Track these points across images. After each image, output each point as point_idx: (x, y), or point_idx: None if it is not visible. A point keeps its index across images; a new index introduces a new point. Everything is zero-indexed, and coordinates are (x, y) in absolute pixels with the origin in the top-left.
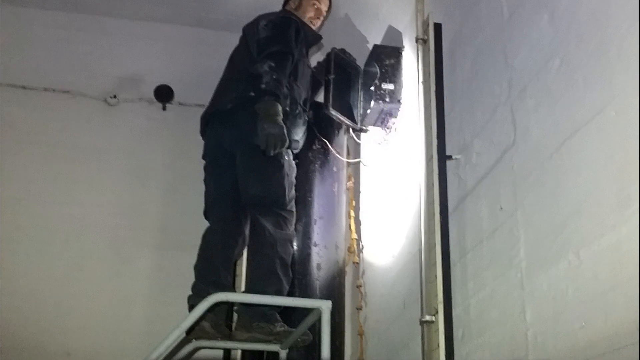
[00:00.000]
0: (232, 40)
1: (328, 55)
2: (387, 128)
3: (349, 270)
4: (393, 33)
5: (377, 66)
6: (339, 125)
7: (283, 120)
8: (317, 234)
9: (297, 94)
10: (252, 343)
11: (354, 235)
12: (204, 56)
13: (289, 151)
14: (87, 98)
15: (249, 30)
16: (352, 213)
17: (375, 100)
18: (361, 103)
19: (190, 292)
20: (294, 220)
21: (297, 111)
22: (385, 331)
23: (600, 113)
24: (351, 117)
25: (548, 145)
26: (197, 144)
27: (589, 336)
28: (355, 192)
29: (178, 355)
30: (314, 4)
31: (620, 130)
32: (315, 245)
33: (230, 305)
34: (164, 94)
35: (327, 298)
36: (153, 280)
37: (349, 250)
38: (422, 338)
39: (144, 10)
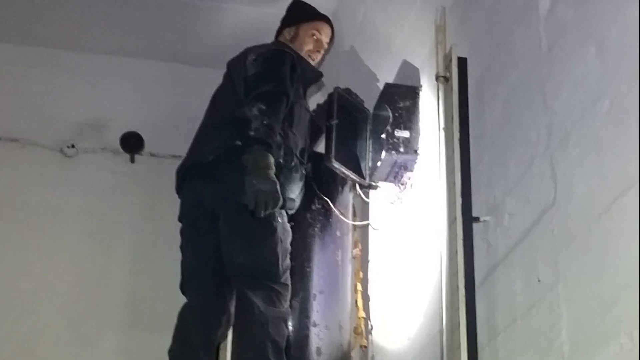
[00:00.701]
0: (215, 77)
1: (330, 96)
2: (402, 184)
3: (355, 355)
4: (408, 69)
5: (389, 109)
6: (343, 180)
7: (276, 174)
8: (316, 311)
9: (292, 143)
10: None
11: (362, 314)
12: (180, 97)
13: (283, 212)
14: (40, 148)
15: (235, 66)
16: (359, 286)
17: (387, 151)
18: (370, 154)
19: None
20: (288, 295)
21: (293, 163)
22: None
23: None
24: (358, 171)
25: (595, 205)
26: (172, 203)
27: None
28: (362, 262)
29: None
30: (313, 34)
31: None
32: (315, 325)
33: None
34: (132, 143)
35: None
36: None
37: (355, 331)
38: None
39: (108, 42)
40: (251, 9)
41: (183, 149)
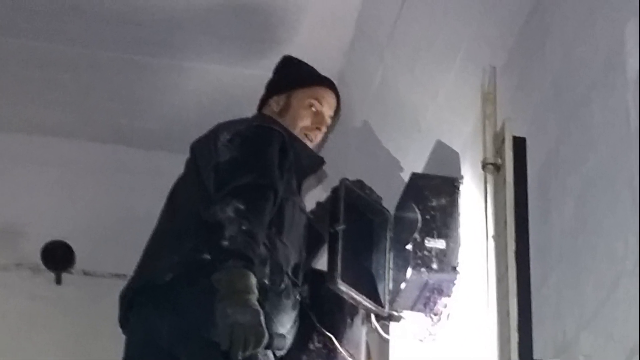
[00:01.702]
0: (172, 165)
1: (335, 190)
2: (435, 314)
3: None
4: (444, 153)
5: (417, 210)
6: (352, 309)
7: (259, 300)
8: None
9: (282, 257)
10: None
11: None
12: (124, 193)
13: (269, 353)
14: None
15: (202, 150)
16: None
17: (414, 268)
18: (391, 272)
19: None
20: None
21: (283, 285)
22: None
23: None
24: (374, 296)
25: None
26: (114, 340)
27: None
28: None
29: None
30: (312, 105)
31: None
32: None
33: None
34: (58, 257)
35: None
36: None
37: None
38: None
39: (24, 116)
40: (224, 70)
41: (128, 266)
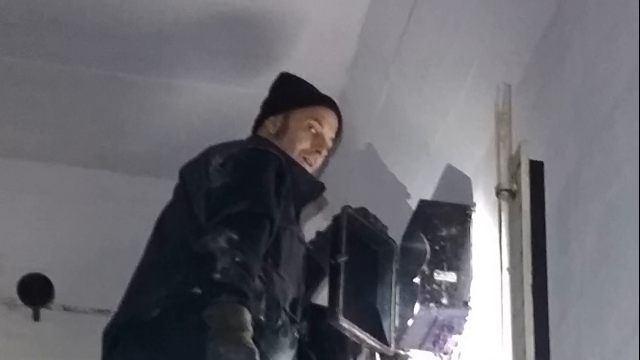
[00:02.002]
0: (159, 191)
1: (337, 219)
2: (444, 353)
3: None
4: (455, 179)
5: (425, 240)
6: (355, 347)
7: (253, 338)
8: None
9: (279, 291)
10: None
11: None
12: (107, 221)
13: None
14: None
15: (192, 175)
16: None
17: (422, 303)
18: (397, 307)
19: None
20: None
21: (280, 322)
22: None
23: None
24: (378, 334)
25: None
26: None
27: None
28: None
29: None
30: (311, 126)
31: None
32: None
33: None
34: (35, 292)
35: None
36: None
37: None
38: None
39: (2, 138)
40: (216, 88)
41: (112, 300)
